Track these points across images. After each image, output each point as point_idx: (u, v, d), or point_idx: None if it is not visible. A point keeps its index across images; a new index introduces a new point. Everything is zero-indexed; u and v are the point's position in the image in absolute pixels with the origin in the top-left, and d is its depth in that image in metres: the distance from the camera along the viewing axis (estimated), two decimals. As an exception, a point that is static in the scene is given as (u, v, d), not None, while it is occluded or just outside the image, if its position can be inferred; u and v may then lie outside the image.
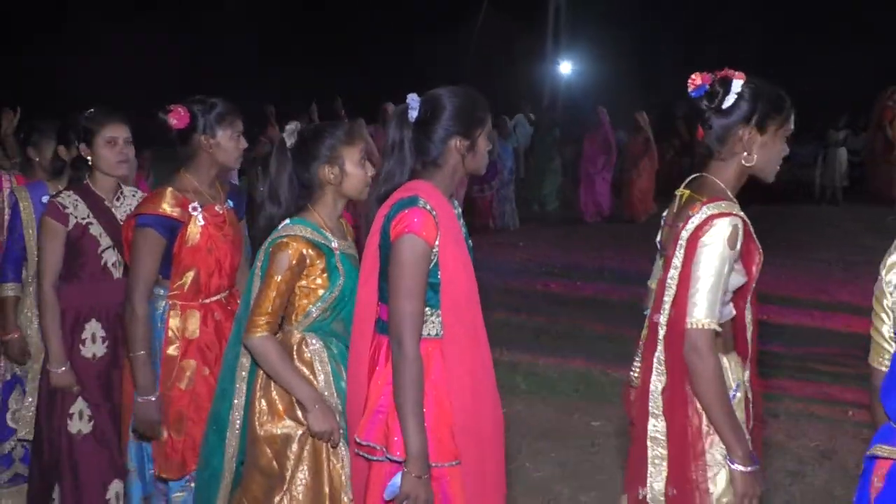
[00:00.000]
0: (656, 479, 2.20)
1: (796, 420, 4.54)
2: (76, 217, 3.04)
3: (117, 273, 3.11)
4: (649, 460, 2.21)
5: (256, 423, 2.46)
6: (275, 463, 2.43)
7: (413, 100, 2.26)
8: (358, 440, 2.23)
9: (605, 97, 14.57)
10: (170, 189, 2.79)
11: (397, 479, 2.13)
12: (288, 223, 2.45)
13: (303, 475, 2.42)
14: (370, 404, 2.24)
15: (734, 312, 2.22)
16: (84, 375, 3.07)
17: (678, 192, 2.30)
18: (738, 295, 2.21)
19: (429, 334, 2.20)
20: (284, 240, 2.40)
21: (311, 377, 2.44)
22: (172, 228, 2.75)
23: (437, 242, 2.17)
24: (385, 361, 2.24)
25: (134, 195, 3.20)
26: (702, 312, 2.08)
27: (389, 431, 2.18)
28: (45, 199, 3.27)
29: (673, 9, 18.94)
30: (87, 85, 12.74)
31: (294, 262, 2.38)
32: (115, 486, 3.10)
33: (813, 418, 4.57)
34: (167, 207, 2.75)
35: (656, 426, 2.20)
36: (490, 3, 18.78)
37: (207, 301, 2.85)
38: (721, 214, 2.10)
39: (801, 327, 6.29)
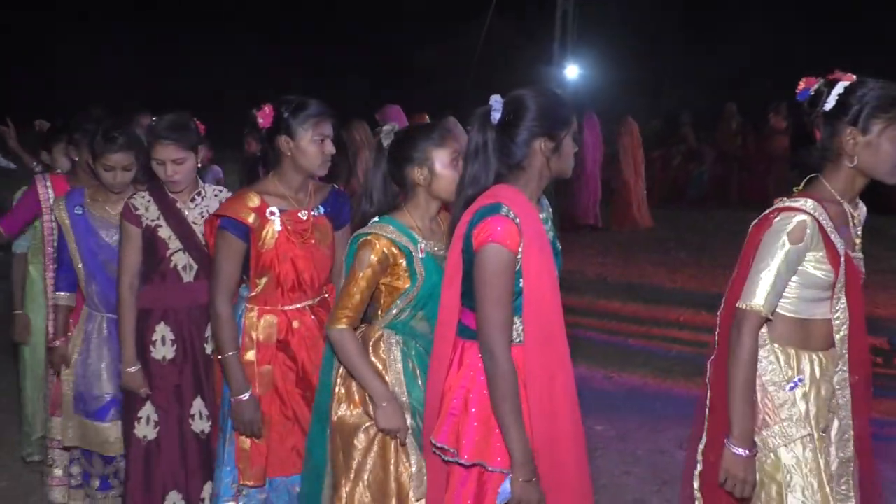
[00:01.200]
0: (702, 443, 2.36)
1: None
2: (146, 218, 3.03)
3: (188, 276, 3.07)
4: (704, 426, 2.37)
5: (333, 407, 2.53)
6: (341, 453, 2.50)
7: (496, 101, 2.24)
8: (433, 441, 2.25)
9: (612, 102, 14.58)
10: (252, 191, 2.77)
11: (506, 485, 2.16)
12: (376, 221, 2.49)
13: (370, 467, 2.47)
14: (444, 406, 2.26)
15: (828, 315, 2.26)
16: (153, 378, 3.06)
17: (795, 190, 2.32)
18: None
19: (510, 340, 2.20)
20: (369, 237, 2.44)
21: (383, 373, 2.48)
22: (245, 232, 2.72)
23: (520, 250, 2.16)
24: (459, 365, 2.26)
25: (216, 195, 3.15)
26: (754, 297, 2.18)
27: (459, 434, 2.20)
28: (78, 210, 3.28)
29: (682, 14, 18.96)
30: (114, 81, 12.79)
31: (376, 259, 2.42)
32: (173, 497, 3.09)
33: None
34: (242, 211, 2.71)
35: (707, 394, 2.37)
36: (496, 7, 18.77)
37: (287, 308, 2.80)
38: (789, 209, 2.18)
39: None
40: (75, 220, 3.27)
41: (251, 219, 2.71)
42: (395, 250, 2.44)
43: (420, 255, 2.46)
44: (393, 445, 2.47)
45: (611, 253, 9.57)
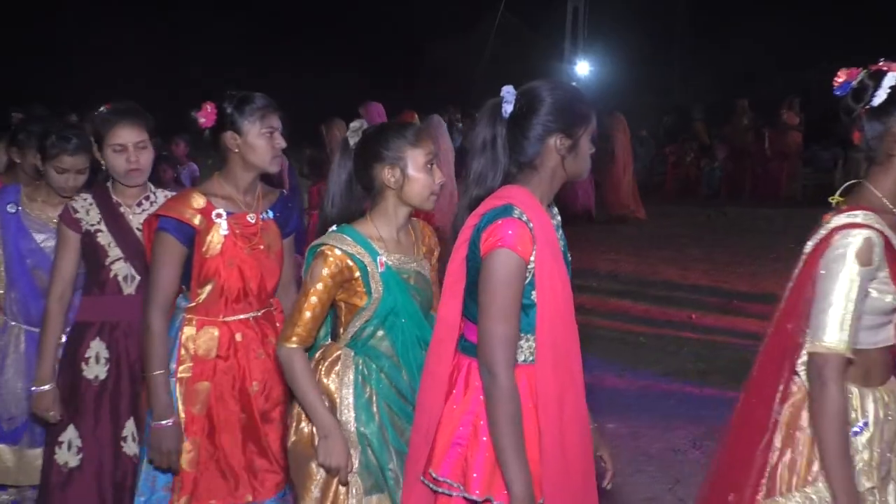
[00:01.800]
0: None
1: None
2: (86, 223, 2.79)
3: (129, 288, 2.81)
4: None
5: (291, 427, 2.36)
6: (300, 475, 2.31)
7: (508, 92, 2.02)
8: (433, 475, 1.99)
9: (623, 98, 14.50)
10: (196, 192, 2.58)
11: None
12: (334, 230, 2.29)
13: (316, 493, 2.28)
14: (445, 434, 2.00)
15: (891, 340, 1.98)
16: (81, 400, 2.79)
17: (831, 200, 2.02)
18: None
19: (516, 360, 1.97)
20: (322, 248, 2.24)
21: (334, 396, 2.28)
22: (190, 235, 2.52)
23: (532, 258, 1.94)
24: (465, 387, 2.01)
25: (167, 198, 2.86)
26: (829, 335, 1.85)
27: (468, 467, 1.96)
28: (11, 208, 3.06)
29: (693, 9, 18.86)
30: (100, 78, 12.80)
31: (328, 273, 2.21)
32: None
33: None
34: (187, 212, 2.51)
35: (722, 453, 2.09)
36: (507, 4, 18.72)
37: (230, 319, 2.59)
38: (851, 226, 1.87)
39: None
40: (6, 219, 3.05)
41: (197, 220, 2.50)
42: (350, 263, 2.23)
43: (379, 270, 2.24)
44: (334, 485, 2.25)
45: (623, 249, 9.53)
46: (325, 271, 2.22)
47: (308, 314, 2.23)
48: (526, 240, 1.92)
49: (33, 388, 2.77)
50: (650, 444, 4.31)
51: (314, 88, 15.10)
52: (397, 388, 2.30)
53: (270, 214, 2.66)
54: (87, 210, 2.81)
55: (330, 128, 7.86)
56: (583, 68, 17.08)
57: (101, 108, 2.77)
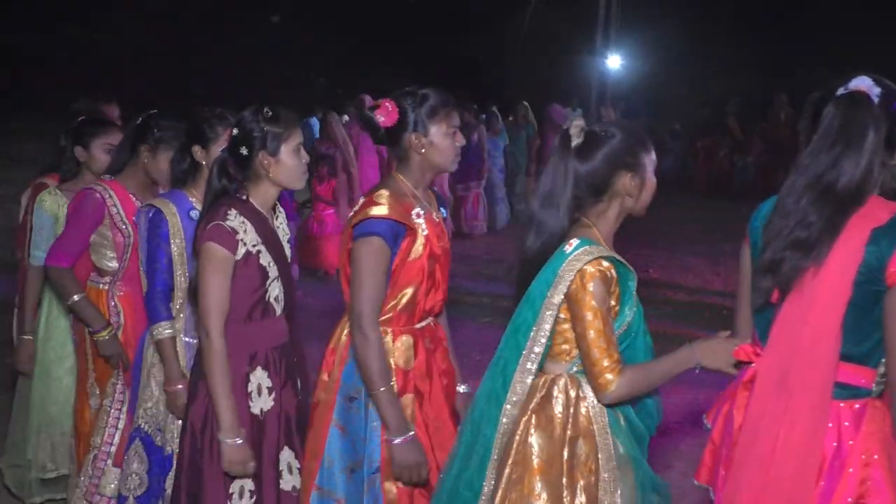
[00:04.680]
0: None
1: None
2: (246, 244, 2.45)
3: (279, 309, 2.55)
4: None
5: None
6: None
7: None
8: None
9: (654, 92, 14.41)
10: (387, 192, 2.42)
11: None
12: (586, 246, 2.05)
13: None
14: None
15: None
16: (252, 438, 2.46)
17: None
18: None
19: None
20: (589, 266, 2.02)
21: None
22: (398, 237, 2.38)
23: None
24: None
25: (281, 211, 2.68)
26: None
27: None
28: (193, 213, 2.74)
29: (726, 4, 18.60)
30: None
31: (602, 290, 2.02)
32: None
33: None
34: (390, 211, 2.36)
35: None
36: (539, -4, 18.67)
37: (419, 326, 2.48)
38: None
39: None
40: (190, 227, 2.71)
41: (408, 219, 2.39)
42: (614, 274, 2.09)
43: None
44: None
45: (656, 244, 9.47)
46: (603, 290, 2.03)
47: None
48: None
49: (227, 442, 2.38)
50: (680, 439, 4.30)
51: (348, 76, 15.15)
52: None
53: (444, 213, 2.60)
54: (244, 228, 2.45)
55: (329, 122, 7.91)
56: (614, 62, 16.96)
57: (266, 109, 2.49)
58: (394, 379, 2.41)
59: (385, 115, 2.43)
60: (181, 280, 2.74)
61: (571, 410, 2.09)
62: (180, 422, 2.65)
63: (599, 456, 2.07)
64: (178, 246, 2.75)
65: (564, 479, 2.06)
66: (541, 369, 2.13)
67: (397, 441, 2.34)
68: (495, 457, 2.12)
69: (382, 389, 2.34)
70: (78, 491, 3.10)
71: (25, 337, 3.32)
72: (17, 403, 3.55)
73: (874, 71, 1.93)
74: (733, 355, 2.01)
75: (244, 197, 2.51)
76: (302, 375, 2.66)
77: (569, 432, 2.08)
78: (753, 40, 17.22)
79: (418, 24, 18.90)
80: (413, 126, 2.43)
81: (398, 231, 2.38)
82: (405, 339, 2.45)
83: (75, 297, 3.05)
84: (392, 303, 2.43)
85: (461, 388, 2.67)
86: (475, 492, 2.13)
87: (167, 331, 2.72)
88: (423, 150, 2.44)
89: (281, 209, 2.70)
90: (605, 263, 2.04)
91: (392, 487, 2.41)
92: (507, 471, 2.09)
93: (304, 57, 18.72)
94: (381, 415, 2.36)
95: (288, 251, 2.63)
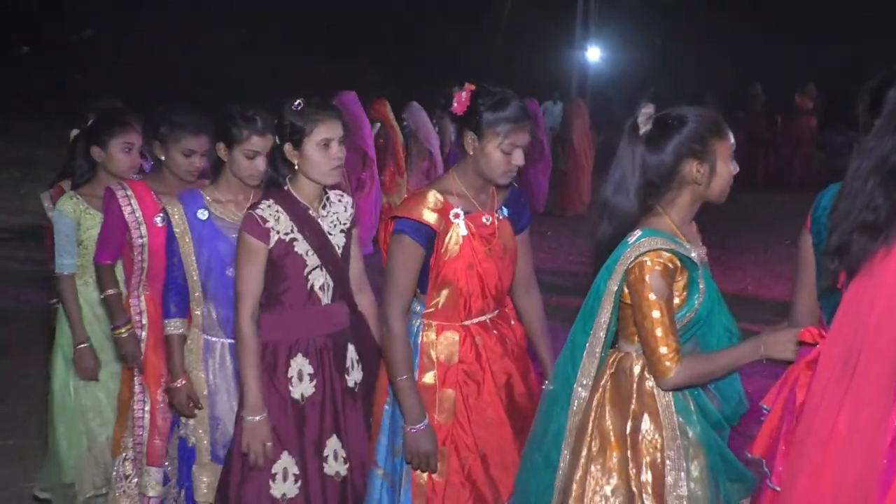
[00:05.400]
0: None
1: None
2: (278, 232, 2.52)
3: (326, 298, 2.60)
4: None
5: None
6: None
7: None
8: None
9: (634, 85, 14.41)
10: (432, 190, 2.46)
11: None
12: (647, 237, 2.07)
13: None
14: None
15: None
16: (290, 423, 2.56)
17: None
18: None
19: None
20: (647, 258, 2.04)
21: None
22: (429, 237, 2.42)
23: None
24: None
25: (340, 200, 2.68)
26: None
27: None
28: (201, 214, 2.76)
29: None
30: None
31: (660, 282, 2.03)
32: None
33: None
34: (424, 212, 2.41)
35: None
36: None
37: (469, 323, 2.51)
38: None
39: None
40: (198, 227, 2.74)
41: (434, 220, 2.41)
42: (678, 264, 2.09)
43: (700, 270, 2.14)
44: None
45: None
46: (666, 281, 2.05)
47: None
48: None
49: (248, 419, 2.51)
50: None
51: (326, 74, 15.07)
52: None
53: (505, 212, 2.57)
54: (277, 217, 2.53)
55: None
56: (594, 54, 17.00)
57: (297, 101, 2.50)
58: (434, 371, 2.47)
59: (459, 101, 2.41)
60: (195, 278, 2.78)
61: (635, 386, 2.14)
62: (199, 412, 2.78)
63: (664, 433, 2.10)
64: (187, 245, 2.77)
65: (629, 453, 2.11)
66: (614, 346, 2.20)
67: (410, 429, 2.42)
68: (570, 434, 2.17)
69: (401, 378, 2.42)
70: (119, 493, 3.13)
71: (81, 346, 3.29)
72: (60, 423, 3.41)
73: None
74: (798, 336, 2.00)
75: (286, 187, 2.56)
76: (368, 361, 2.69)
77: (633, 406, 2.13)
78: (728, 32, 17.34)
79: (396, 17, 18.84)
80: (475, 126, 2.39)
81: (426, 232, 2.42)
82: (449, 335, 2.50)
83: (109, 292, 3.13)
84: (435, 299, 2.49)
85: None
86: (552, 466, 2.18)
87: (173, 327, 2.79)
88: (472, 153, 2.43)
89: (342, 197, 2.71)
90: (666, 255, 2.05)
91: (422, 477, 2.47)
92: (584, 447, 2.14)
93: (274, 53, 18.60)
94: (399, 401, 2.45)
95: (341, 241, 2.63)
